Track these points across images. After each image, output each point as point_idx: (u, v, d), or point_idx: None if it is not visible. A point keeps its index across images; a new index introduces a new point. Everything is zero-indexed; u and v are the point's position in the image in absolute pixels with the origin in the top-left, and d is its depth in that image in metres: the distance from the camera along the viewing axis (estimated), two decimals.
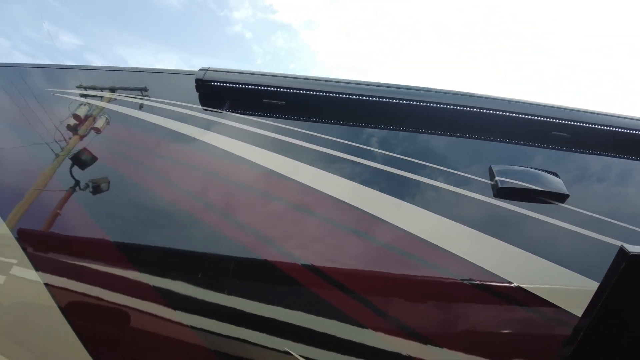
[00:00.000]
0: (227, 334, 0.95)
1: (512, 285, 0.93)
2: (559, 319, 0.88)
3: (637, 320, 0.57)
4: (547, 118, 1.33)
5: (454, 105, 1.33)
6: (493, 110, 1.34)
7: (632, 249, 0.52)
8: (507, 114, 1.33)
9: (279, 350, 0.92)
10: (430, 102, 1.33)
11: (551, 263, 0.96)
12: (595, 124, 1.36)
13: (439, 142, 1.34)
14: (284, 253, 1.01)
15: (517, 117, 1.34)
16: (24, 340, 1.08)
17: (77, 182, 1.25)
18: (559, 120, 1.34)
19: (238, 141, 1.22)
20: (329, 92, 1.30)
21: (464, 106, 1.34)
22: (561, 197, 1.14)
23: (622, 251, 0.53)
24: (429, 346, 0.90)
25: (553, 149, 1.35)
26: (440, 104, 1.33)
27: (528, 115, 1.34)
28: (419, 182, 1.16)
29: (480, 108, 1.33)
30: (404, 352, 0.89)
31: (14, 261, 1.13)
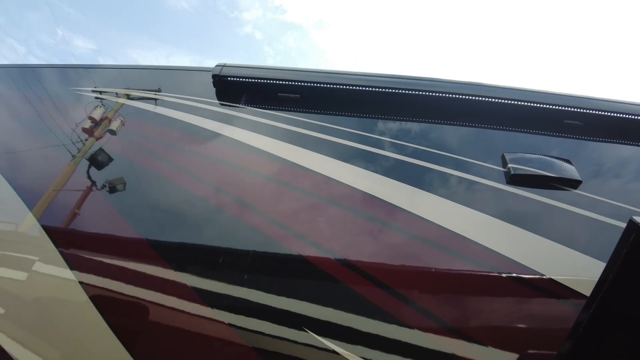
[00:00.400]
0: (254, 329, 0.96)
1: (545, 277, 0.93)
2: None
3: None
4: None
5: (467, 95, 1.35)
6: (509, 100, 1.36)
7: None
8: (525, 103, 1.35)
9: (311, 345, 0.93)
10: (443, 93, 1.34)
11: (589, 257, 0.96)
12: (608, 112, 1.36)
13: (453, 132, 1.35)
14: (309, 245, 1.04)
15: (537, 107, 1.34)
16: (55, 336, 1.10)
17: (98, 179, 1.31)
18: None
19: (257, 134, 1.27)
20: (343, 85, 1.33)
21: (475, 96, 1.35)
22: (575, 184, 1.15)
23: (631, 222, 0.55)
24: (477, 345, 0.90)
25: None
26: (454, 94, 1.34)
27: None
28: (434, 171, 1.18)
29: (494, 98, 1.35)
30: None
31: (41, 254, 1.18)
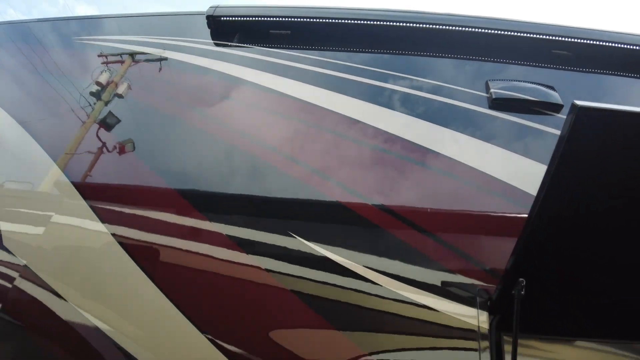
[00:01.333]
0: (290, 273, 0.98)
1: None
2: None
3: (590, 164, 0.68)
4: None
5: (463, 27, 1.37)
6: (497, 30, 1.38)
7: (580, 103, 0.62)
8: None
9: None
10: (439, 25, 1.36)
11: None
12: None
13: (453, 64, 1.39)
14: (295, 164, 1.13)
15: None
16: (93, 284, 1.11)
17: (114, 126, 1.38)
18: None
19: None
20: (334, 19, 1.37)
21: (470, 27, 1.37)
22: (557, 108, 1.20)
23: (573, 105, 0.62)
24: None
25: None
26: (450, 25, 1.36)
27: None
28: (425, 99, 1.23)
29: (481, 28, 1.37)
30: None
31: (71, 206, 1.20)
